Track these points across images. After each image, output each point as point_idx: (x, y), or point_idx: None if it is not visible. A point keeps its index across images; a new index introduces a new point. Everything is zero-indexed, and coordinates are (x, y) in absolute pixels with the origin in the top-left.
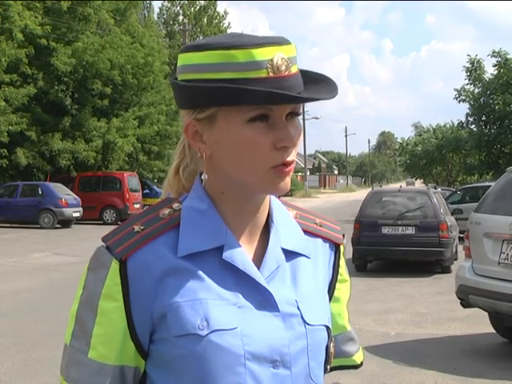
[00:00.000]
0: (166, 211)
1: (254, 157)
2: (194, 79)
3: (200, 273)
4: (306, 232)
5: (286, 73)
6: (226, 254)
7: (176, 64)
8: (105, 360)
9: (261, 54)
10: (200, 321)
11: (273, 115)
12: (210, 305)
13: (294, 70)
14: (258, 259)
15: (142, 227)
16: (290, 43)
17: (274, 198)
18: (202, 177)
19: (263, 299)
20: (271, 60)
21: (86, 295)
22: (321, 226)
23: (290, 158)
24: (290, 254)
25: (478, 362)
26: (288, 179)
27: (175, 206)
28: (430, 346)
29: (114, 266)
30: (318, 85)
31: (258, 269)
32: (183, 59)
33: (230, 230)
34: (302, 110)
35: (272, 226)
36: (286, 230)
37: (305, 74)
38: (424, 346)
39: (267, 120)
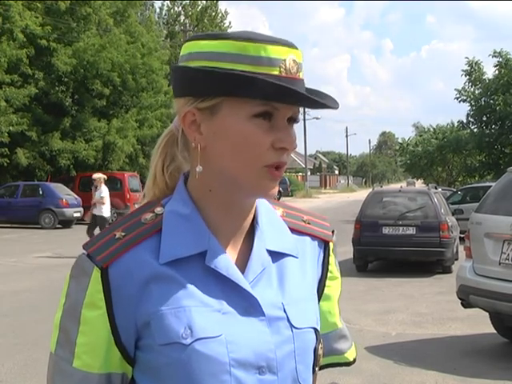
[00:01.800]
0: (148, 216)
1: (250, 153)
2: (205, 66)
3: (183, 279)
4: (293, 230)
5: (297, 75)
6: (209, 260)
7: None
8: (89, 369)
9: (275, 51)
10: (183, 329)
11: (276, 115)
12: (193, 312)
13: (301, 75)
14: (243, 263)
15: (123, 233)
16: (298, 49)
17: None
18: (197, 169)
19: (248, 304)
20: (284, 60)
21: (69, 304)
22: (309, 223)
23: (284, 160)
24: (276, 255)
25: (478, 362)
26: (276, 184)
27: (157, 210)
28: (431, 346)
29: (96, 274)
30: (312, 94)
31: (243, 273)
32: (192, 46)
33: (214, 235)
34: (299, 117)
35: (257, 227)
36: (272, 231)
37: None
38: (425, 346)
39: (270, 119)
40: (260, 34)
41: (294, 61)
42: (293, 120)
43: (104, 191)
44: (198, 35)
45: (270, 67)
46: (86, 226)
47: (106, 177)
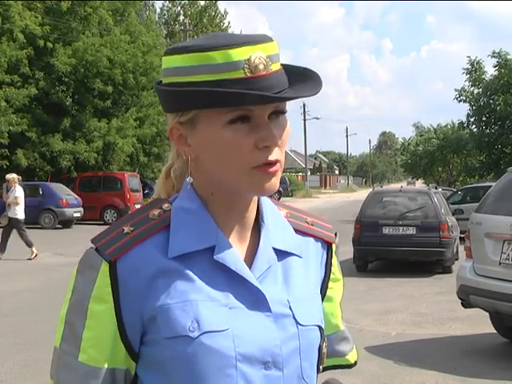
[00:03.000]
0: (156, 212)
1: (236, 158)
2: (175, 82)
3: (191, 274)
4: (297, 231)
5: (265, 72)
6: (218, 254)
7: None
8: (95, 363)
9: (238, 53)
10: (191, 322)
11: (254, 115)
12: (200, 306)
13: (274, 68)
14: (249, 259)
15: (131, 228)
16: (270, 41)
17: (264, 198)
18: (188, 179)
19: (255, 299)
20: (248, 60)
21: (76, 298)
22: (312, 224)
23: (273, 158)
24: (281, 254)
25: (478, 362)
26: (275, 179)
27: (165, 206)
28: (431, 347)
29: (104, 267)
30: (302, 81)
31: (250, 269)
32: (165, 62)
33: (221, 230)
34: (286, 107)
35: (263, 225)
36: (278, 230)
37: (290, 69)
38: (425, 346)
39: (249, 121)
40: (224, 37)
41: (260, 57)
42: (278, 112)
43: (18, 191)
44: (169, 49)
45: (234, 71)
46: (86, 226)
47: (19, 177)
